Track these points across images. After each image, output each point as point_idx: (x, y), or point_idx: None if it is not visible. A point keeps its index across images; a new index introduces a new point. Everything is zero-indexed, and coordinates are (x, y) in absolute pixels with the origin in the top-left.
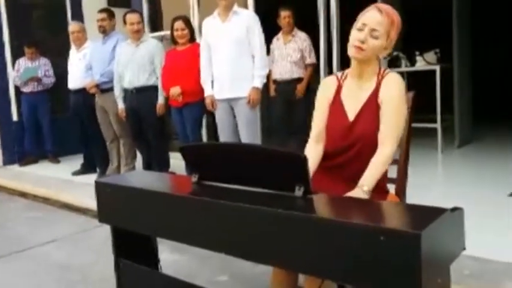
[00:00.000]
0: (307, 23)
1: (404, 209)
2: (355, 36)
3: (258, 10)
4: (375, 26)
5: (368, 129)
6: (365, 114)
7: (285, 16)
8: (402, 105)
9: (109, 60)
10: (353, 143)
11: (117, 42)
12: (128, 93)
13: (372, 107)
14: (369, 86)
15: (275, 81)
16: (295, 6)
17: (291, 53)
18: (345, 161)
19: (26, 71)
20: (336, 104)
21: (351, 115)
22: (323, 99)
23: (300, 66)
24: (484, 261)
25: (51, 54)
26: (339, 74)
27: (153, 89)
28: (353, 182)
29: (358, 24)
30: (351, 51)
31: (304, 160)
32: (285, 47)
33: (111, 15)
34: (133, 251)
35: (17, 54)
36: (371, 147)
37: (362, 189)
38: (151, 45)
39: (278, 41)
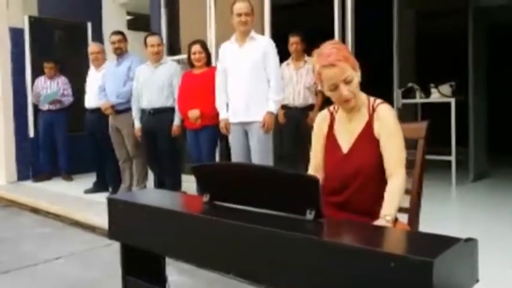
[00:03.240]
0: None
1: (417, 237)
2: (335, 96)
3: (274, 36)
4: (342, 76)
5: (366, 161)
6: (360, 147)
7: (292, 42)
8: (400, 132)
9: (123, 81)
10: (354, 176)
11: (132, 64)
12: (145, 114)
13: (367, 139)
14: (361, 118)
15: (285, 107)
16: (312, 32)
17: (304, 79)
18: (352, 194)
19: (46, 97)
20: (330, 139)
21: (345, 148)
22: (318, 134)
23: (312, 92)
24: None
25: (70, 74)
26: (331, 107)
27: (171, 110)
28: (365, 214)
29: (326, 86)
30: (342, 107)
31: (316, 183)
32: (297, 72)
33: (125, 38)
34: (141, 270)
35: (37, 73)
36: (373, 178)
37: (385, 219)
38: (170, 67)
39: (288, 66)
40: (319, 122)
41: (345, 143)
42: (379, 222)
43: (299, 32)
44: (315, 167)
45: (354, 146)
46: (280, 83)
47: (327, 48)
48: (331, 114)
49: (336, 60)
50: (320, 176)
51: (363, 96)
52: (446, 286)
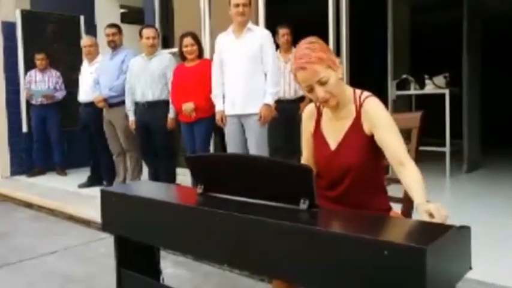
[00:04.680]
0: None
1: (410, 225)
2: (313, 97)
3: (268, 27)
4: (315, 78)
5: (355, 157)
6: (348, 143)
7: (283, 34)
8: (394, 123)
9: (117, 75)
10: (344, 173)
11: (126, 57)
12: (139, 107)
13: (355, 136)
14: (348, 114)
15: (277, 100)
16: (305, 23)
17: None
18: (345, 190)
19: (37, 92)
20: (317, 136)
21: (333, 145)
22: (306, 131)
23: None
24: (491, 287)
25: (63, 67)
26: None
27: (165, 103)
28: (359, 207)
29: (302, 87)
30: (324, 106)
31: (310, 173)
32: (286, 65)
33: (120, 31)
34: (135, 262)
35: (29, 67)
36: (364, 173)
37: (427, 205)
38: (164, 59)
39: (277, 59)
40: (306, 119)
41: (333, 140)
42: (423, 207)
43: (287, 24)
44: (306, 160)
45: (342, 143)
46: (277, 75)
47: (301, 48)
48: (318, 109)
49: (306, 63)
50: (314, 170)
51: (349, 91)
52: (439, 273)
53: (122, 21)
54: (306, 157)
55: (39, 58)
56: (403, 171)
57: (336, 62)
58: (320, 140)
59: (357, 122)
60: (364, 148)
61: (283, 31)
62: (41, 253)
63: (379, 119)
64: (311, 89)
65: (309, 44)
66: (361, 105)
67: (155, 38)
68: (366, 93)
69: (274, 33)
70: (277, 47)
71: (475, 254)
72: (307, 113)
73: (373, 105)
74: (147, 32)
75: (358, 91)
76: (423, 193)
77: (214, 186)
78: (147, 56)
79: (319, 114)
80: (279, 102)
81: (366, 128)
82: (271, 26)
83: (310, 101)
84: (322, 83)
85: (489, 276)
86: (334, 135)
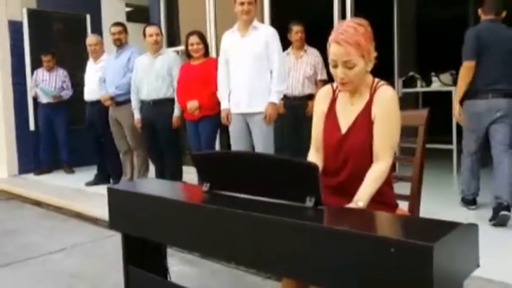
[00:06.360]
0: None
1: (417, 222)
2: (334, 74)
3: (273, 25)
4: (344, 58)
5: (359, 142)
6: (357, 127)
7: (297, 31)
8: (395, 118)
9: (123, 73)
10: (347, 157)
11: (131, 56)
12: (144, 105)
13: (364, 120)
14: (362, 99)
15: (285, 97)
16: (311, 20)
17: (304, 68)
18: (346, 177)
19: (43, 92)
20: (330, 117)
21: (344, 128)
22: (319, 111)
23: (311, 81)
24: (499, 285)
25: (70, 66)
26: (335, 84)
27: (170, 101)
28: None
29: (329, 60)
30: (339, 87)
31: (316, 170)
32: (297, 62)
33: (126, 29)
34: (142, 259)
35: (36, 66)
36: (365, 160)
37: (357, 204)
38: (169, 57)
39: (288, 55)
40: (320, 100)
41: (345, 122)
42: (350, 206)
43: (300, 21)
44: (316, 146)
45: (352, 126)
46: (283, 74)
47: (346, 24)
48: (334, 91)
49: (344, 41)
50: (321, 155)
51: (369, 79)
52: (446, 271)
53: (128, 19)
54: (318, 141)
55: (46, 60)
56: (373, 165)
57: (371, 54)
58: (332, 121)
59: (368, 107)
60: (370, 134)
61: (296, 28)
62: (48, 251)
63: (382, 107)
64: (335, 65)
65: (356, 24)
66: (375, 90)
67: (158, 35)
68: (382, 82)
69: (287, 30)
70: (289, 43)
71: (482, 252)
72: (323, 92)
73: (385, 93)
74: (150, 29)
75: (377, 79)
76: (365, 193)
77: (219, 184)
78: (152, 55)
79: (335, 96)
80: (287, 99)
81: (373, 114)
82: (277, 23)
83: None
84: (348, 67)
85: (497, 274)
86: (346, 118)
